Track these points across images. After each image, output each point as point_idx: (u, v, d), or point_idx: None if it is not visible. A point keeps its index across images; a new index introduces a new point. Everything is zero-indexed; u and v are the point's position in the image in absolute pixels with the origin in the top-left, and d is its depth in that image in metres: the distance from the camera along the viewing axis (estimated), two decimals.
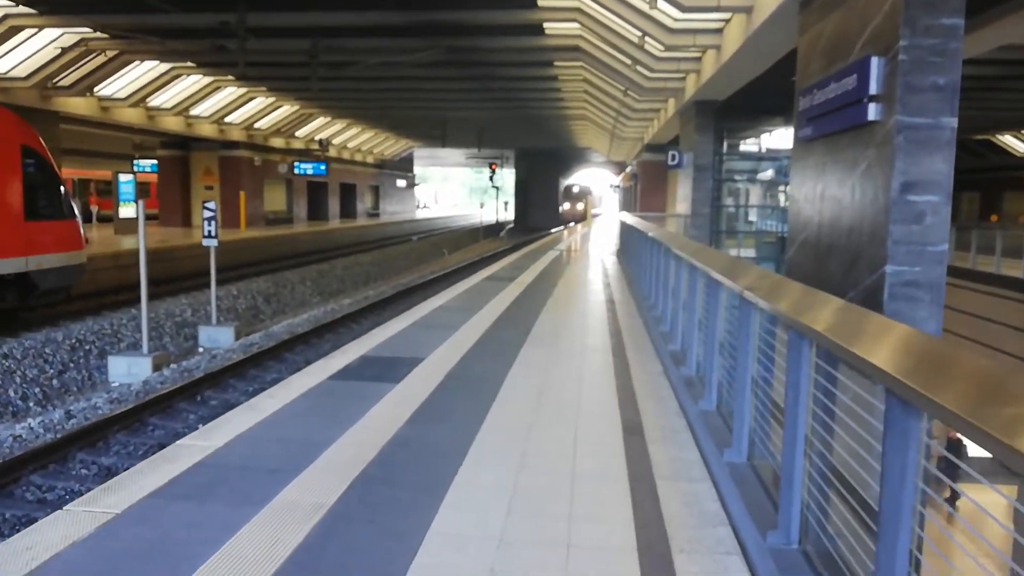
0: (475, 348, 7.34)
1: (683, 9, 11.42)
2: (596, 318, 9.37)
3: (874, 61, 6.87)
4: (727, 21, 12.88)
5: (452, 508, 3.61)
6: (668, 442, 4.62)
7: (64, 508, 3.56)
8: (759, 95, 16.77)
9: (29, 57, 18.43)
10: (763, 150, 22.84)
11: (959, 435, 2.64)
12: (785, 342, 3.41)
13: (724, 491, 3.70)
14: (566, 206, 58.49)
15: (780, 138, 22.63)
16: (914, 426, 1.98)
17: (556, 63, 21.61)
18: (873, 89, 6.91)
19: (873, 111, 6.96)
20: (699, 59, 15.88)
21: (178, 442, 4.47)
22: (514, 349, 7.31)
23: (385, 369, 6.39)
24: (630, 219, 15.35)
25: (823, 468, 2.78)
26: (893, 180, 6.51)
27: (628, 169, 43.29)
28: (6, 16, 15.99)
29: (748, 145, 23.33)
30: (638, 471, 4.14)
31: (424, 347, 7.30)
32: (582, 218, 52.72)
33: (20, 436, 8.18)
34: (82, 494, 4.71)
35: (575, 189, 59.40)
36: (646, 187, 31.38)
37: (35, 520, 4.44)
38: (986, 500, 2.15)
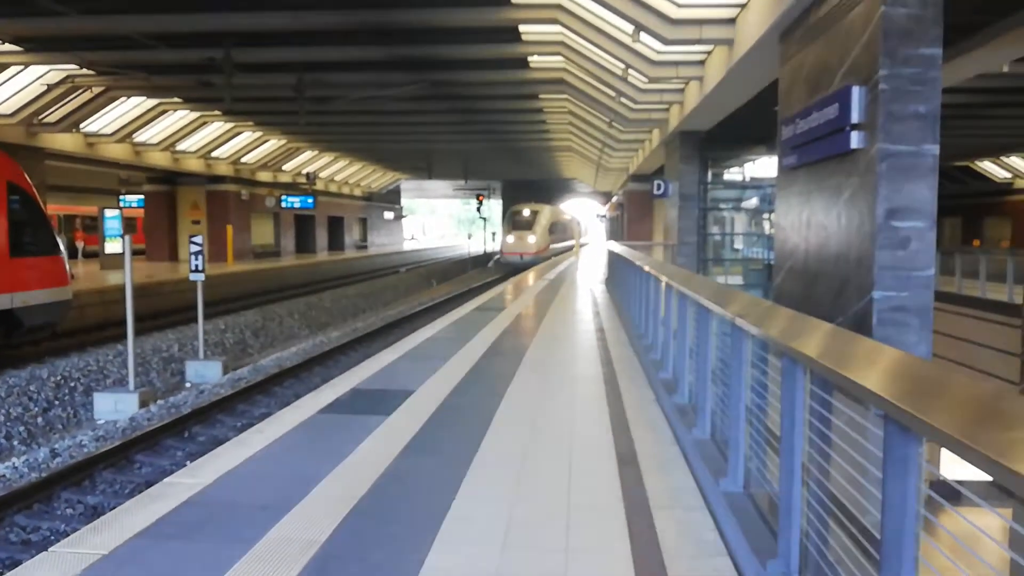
0: (466, 379, 7.29)
1: (665, 42, 11.60)
2: (587, 347, 9.36)
3: (855, 90, 6.98)
4: (709, 53, 13.09)
5: (446, 543, 3.56)
6: (663, 471, 4.59)
7: (49, 550, 3.48)
8: (742, 125, 16.99)
9: (15, 94, 18.44)
10: (747, 179, 23.07)
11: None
12: (777, 368, 3.41)
13: (721, 520, 3.67)
14: (511, 240, 39.98)
15: (764, 167, 22.89)
16: (913, 451, 1.97)
17: (541, 96, 21.85)
18: (855, 118, 7.02)
19: (856, 139, 7.06)
20: (682, 90, 16.10)
21: (165, 480, 4.39)
22: (505, 380, 7.28)
23: (376, 402, 6.34)
24: (618, 248, 15.41)
25: (821, 495, 2.76)
26: (878, 207, 6.59)
27: (614, 199, 43.62)
28: None
29: (732, 174, 23.57)
30: (634, 501, 4.10)
31: (415, 379, 7.25)
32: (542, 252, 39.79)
33: (4, 476, 8.02)
34: (68, 534, 4.62)
35: (525, 213, 40.83)
36: (632, 216, 31.60)
37: (20, 562, 4.34)
38: (982, 524, 2.14)
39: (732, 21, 11.01)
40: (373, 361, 8.28)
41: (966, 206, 34.10)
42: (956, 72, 12.31)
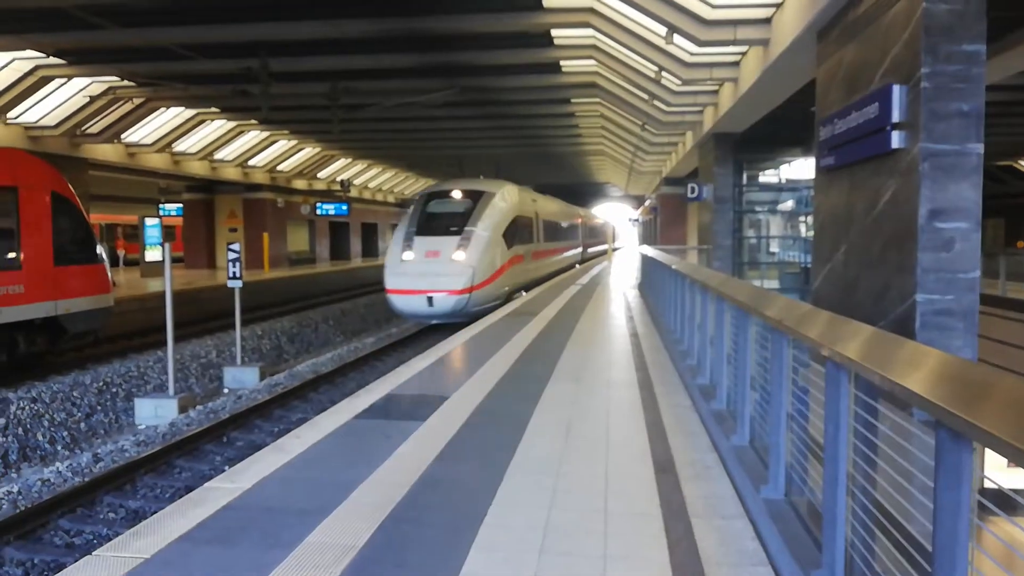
0: (500, 384, 7.28)
1: (699, 43, 11.50)
2: (621, 352, 9.29)
3: (896, 89, 6.85)
4: (744, 54, 12.95)
5: (483, 549, 3.55)
6: (701, 478, 4.53)
7: (93, 553, 3.54)
8: (778, 126, 16.77)
9: (58, 106, 18.93)
10: (783, 180, 22.77)
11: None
12: (819, 373, 3.34)
13: (762, 529, 3.60)
14: (409, 261, 17.00)
15: (800, 168, 22.58)
16: (965, 457, 1.91)
17: (573, 100, 21.81)
18: (896, 117, 6.88)
19: (897, 139, 6.92)
20: (716, 92, 15.94)
21: (205, 485, 4.44)
22: (540, 384, 7.25)
23: (411, 407, 6.35)
24: (651, 252, 15.30)
25: (866, 503, 2.69)
26: (920, 208, 6.44)
27: (647, 203, 43.33)
28: (37, 67, 16.46)
29: (768, 176, 23.28)
30: (672, 508, 4.05)
31: (449, 384, 7.26)
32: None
33: (48, 480, 8.20)
34: (110, 538, 4.69)
35: (455, 197, 19.13)
36: (666, 220, 31.36)
37: (64, 566, 4.42)
38: None
39: (767, 21, 10.87)
40: (408, 367, 8.31)
41: (1010, 207, 33.23)
42: (1000, 68, 12.02)
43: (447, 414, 6.11)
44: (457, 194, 19.27)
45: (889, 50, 7.08)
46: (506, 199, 19.95)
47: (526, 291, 20.29)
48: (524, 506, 4.09)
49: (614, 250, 49.78)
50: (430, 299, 16.27)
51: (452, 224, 17.63)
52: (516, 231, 20.00)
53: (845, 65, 8.26)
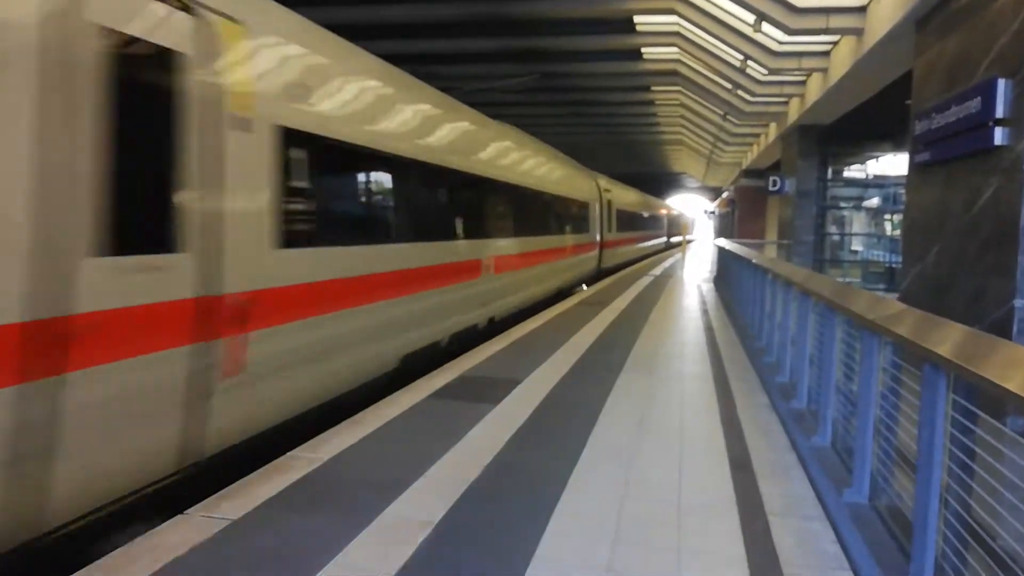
0: (572, 372, 7.28)
1: (789, 32, 11.17)
2: (695, 345, 9.16)
3: (1000, 83, 6.52)
4: (835, 44, 12.52)
5: (556, 534, 3.57)
6: (779, 477, 4.44)
7: (184, 513, 3.71)
8: (867, 119, 16.17)
9: None
10: (870, 176, 21.97)
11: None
12: (912, 374, 3.23)
13: (844, 533, 3.50)
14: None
15: (888, 164, 21.75)
16: None
17: (653, 88, 21.52)
18: (999, 112, 6.55)
19: (1000, 135, 6.59)
20: (804, 83, 15.48)
21: (289, 453, 4.60)
22: (612, 374, 7.22)
23: (484, 389, 6.42)
24: (728, 245, 15.00)
25: (961, 512, 2.59)
26: (1023, 208, 6.13)
27: (724, 195, 42.47)
28: None
29: (854, 171, 22.49)
30: (748, 506, 3.98)
31: (521, 369, 7.30)
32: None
33: None
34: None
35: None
36: (744, 213, 30.68)
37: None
38: None
39: (863, 9, 10.48)
40: (480, 349, 8.39)
41: None
42: None
43: (519, 398, 6.15)
44: None
45: (995, 41, 6.73)
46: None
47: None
48: (596, 495, 4.09)
49: (688, 242, 48.83)
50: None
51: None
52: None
53: (946, 56, 7.89)
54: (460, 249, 8.85)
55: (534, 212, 12.95)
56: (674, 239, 47.70)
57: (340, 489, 4.04)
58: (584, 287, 18.30)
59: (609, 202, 21.96)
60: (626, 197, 26.80)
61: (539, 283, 13.39)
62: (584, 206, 17.88)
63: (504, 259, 10.76)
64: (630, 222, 27.24)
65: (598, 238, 19.90)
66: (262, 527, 3.55)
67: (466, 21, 15.11)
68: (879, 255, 20.73)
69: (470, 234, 9.21)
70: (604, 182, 22.00)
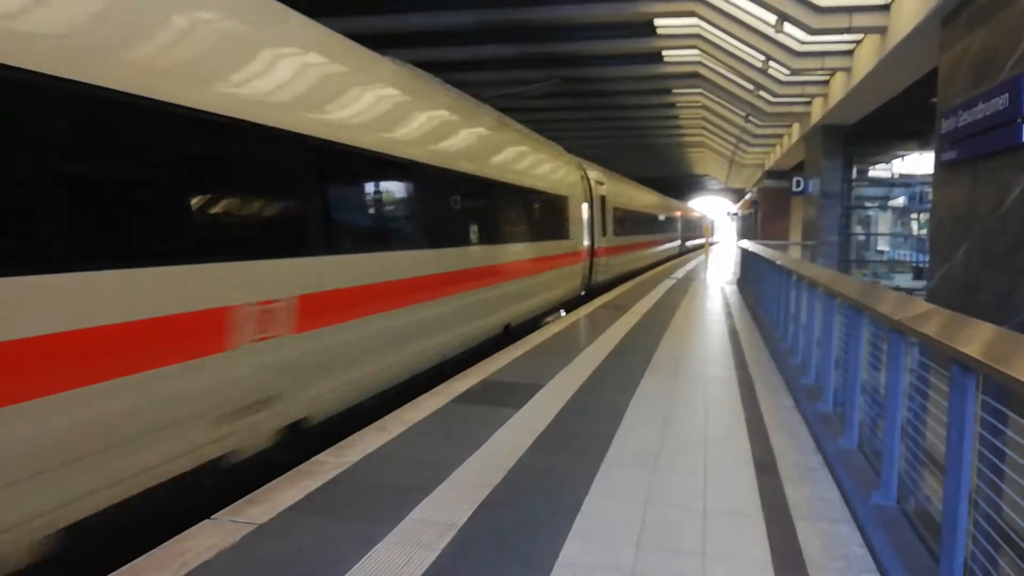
0: (594, 376, 7.26)
1: (811, 31, 11.08)
2: (719, 348, 9.10)
3: None
4: (858, 42, 12.40)
5: (580, 538, 3.56)
6: (805, 480, 4.39)
7: (211, 517, 3.75)
8: (892, 118, 15.98)
9: None
10: (895, 176, 21.70)
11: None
12: (940, 375, 3.18)
13: (871, 536, 3.46)
14: None
15: (913, 163, 21.46)
16: None
17: (674, 90, 21.44)
18: None
19: None
20: (827, 82, 15.33)
21: (314, 458, 4.63)
22: (635, 377, 7.19)
23: (506, 394, 6.42)
24: (752, 247, 14.88)
25: (993, 515, 2.55)
26: None
27: (747, 196, 42.15)
28: None
29: (879, 171, 22.21)
30: (774, 509, 3.94)
31: (543, 374, 7.29)
32: None
33: None
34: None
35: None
36: (767, 214, 30.43)
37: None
38: None
39: (886, 8, 10.37)
40: (502, 354, 8.40)
41: None
42: None
43: (542, 402, 6.14)
44: None
45: (1022, 37, 6.63)
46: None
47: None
48: (620, 498, 4.07)
49: (711, 244, 47.96)
50: None
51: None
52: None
53: (972, 53, 7.78)
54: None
55: (479, 212, 9.23)
56: (690, 243, 43.20)
57: (365, 493, 4.06)
58: (562, 313, 14.20)
59: (603, 198, 17.67)
60: (627, 193, 22.29)
61: (478, 318, 9.07)
62: (562, 202, 13.68)
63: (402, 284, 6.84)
64: (634, 224, 22.70)
65: (586, 244, 15.64)
66: (288, 531, 3.58)
67: (486, 28, 15.17)
68: (905, 255, 20.45)
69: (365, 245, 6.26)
70: (596, 173, 17.93)
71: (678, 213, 37.27)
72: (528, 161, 11.85)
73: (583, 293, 15.87)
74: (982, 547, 2.57)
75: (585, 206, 15.50)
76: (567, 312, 13.87)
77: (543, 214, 12.36)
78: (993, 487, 2.57)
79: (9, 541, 3.18)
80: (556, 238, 13.03)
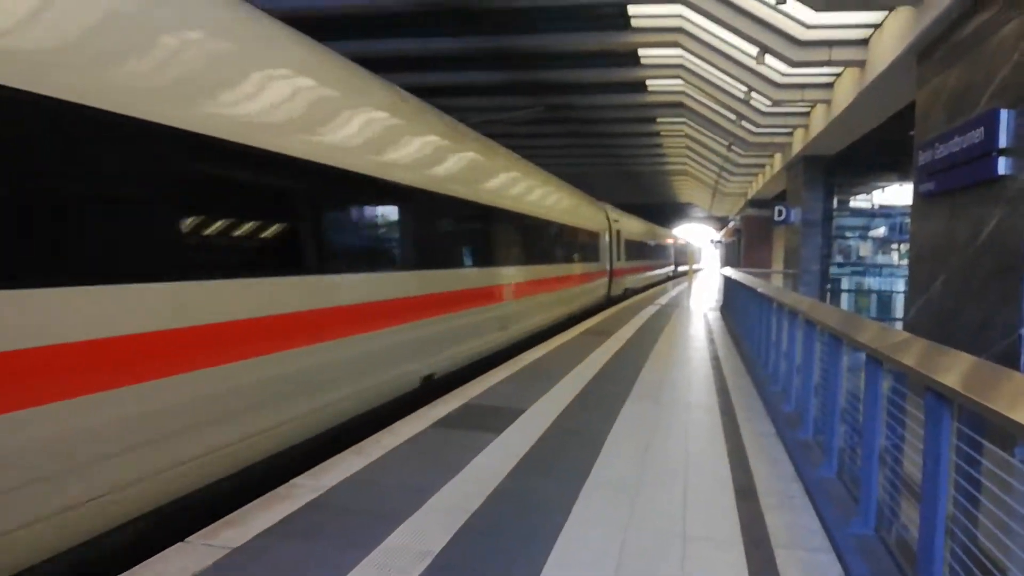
0: (577, 401, 7.25)
1: (792, 64, 11.28)
2: (701, 375, 9.12)
3: (1004, 114, 6.56)
4: (838, 75, 12.63)
5: (559, 564, 3.53)
6: (784, 508, 4.39)
7: (185, 540, 3.69)
8: (871, 149, 16.24)
9: None
10: (876, 206, 22.01)
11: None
12: (916, 404, 3.20)
13: (850, 564, 3.45)
14: None
15: (893, 194, 21.79)
16: None
17: (658, 119, 21.69)
18: (1003, 142, 6.59)
19: (1003, 165, 6.62)
20: (808, 114, 15.58)
21: (290, 481, 4.58)
22: (617, 403, 7.19)
23: (487, 418, 6.39)
24: (734, 274, 14.99)
25: (968, 544, 2.56)
26: None
27: (731, 224, 42.56)
28: None
29: (860, 201, 22.53)
30: (753, 536, 3.94)
31: (525, 398, 7.27)
32: None
33: None
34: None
35: None
36: (750, 242, 30.71)
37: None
38: None
39: (865, 42, 10.59)
40: (484, 379, 8.37)
41: None
42: None
43: (523, 428, 6.12)
44: None
45: (996, 72, 6.78)
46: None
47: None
48: (600, 525, 4.05)
49: (695, 271, 49.04)
50: None
51: None
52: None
53: (948, 88, 7.95)
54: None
55: (549, 241, 14.10)
56: (680, 268, 49.61)
57: (340, 518, 4.01)
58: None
59: (618, 232, 23.05)
60: (634, 227, 27.98)
61: (553, 308, 14.65)
62: (596, 236, 19.16)
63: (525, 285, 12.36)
64: (638, 251, 28.59)
65: (608, 267, 21.13)
66: (262, 555, 3.52)
67: (473, 55, 15.32)
68: (885, 284, 20.70)
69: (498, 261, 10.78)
70: (612, 211, 23.18)
71: (670, 241, 44.03)
72: (580, 209, 17.55)
73: (606, 301, 21.30)
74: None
75: (607, 237, 20.85)
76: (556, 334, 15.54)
77: (586, 244, 17.96)
78: (969, 516, 2.58)
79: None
80: (594, 261, 18.89)
